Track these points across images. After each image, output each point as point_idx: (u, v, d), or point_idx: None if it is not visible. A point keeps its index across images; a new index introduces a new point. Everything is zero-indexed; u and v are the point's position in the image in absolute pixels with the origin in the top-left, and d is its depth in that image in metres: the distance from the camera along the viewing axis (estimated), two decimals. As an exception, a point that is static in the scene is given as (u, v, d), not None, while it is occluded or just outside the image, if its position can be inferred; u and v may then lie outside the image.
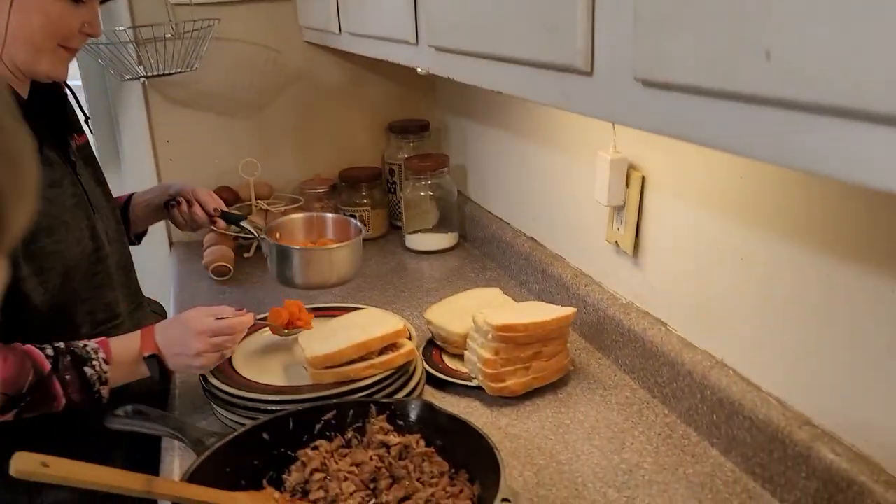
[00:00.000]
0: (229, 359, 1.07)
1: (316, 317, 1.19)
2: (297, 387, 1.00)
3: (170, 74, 1.61)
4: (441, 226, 1.71)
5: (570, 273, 1.29)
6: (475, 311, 1.12)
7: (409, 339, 1.07)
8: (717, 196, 0.93)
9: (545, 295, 1.36)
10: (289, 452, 0.87)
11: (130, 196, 1.31)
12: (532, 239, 1.46)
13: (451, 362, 1.16)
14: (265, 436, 0.86)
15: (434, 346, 1.21)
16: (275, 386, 1.00)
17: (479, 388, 1.08)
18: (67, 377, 0.90)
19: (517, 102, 1.45)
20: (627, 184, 1.09)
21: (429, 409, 0.89)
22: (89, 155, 1.14)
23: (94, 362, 0.93)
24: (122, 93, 1.75)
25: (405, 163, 1.70)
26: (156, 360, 0.96)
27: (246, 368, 1.05)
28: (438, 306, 1.24)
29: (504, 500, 0.70)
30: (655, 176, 1.05)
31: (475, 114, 1.68)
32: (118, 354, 0.95)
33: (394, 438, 0.88)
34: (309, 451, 0.87)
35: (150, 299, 1.33)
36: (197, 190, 1.27)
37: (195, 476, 0.77)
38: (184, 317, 1.00)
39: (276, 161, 1.84)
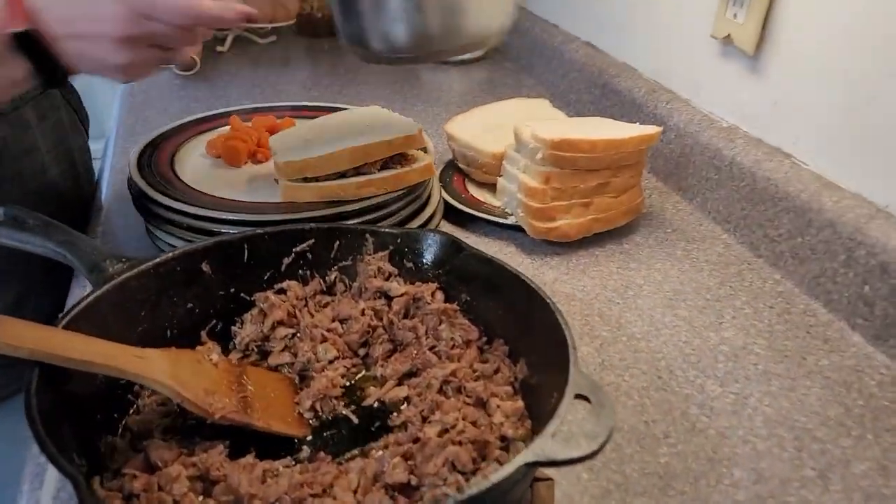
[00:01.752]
0: (171, 164, 0.76)
1: (296, 117, 0.87)
2: (260, 204, 0.69)
3: None
4: (466, 30, 1.34)
5: (644, 87, 0.95)
6: (517, 124, 0.80)
7: (425, 152, 0.75)
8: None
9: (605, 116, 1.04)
10: (242, 295, 0.59)
11: None
12: (589, 44, 1.12)
13: (477, 192, 0.86)
14: (206, 267, 0.57)
15: (456, 169, 0.90)
16: (230, 200, 0.70)
17: (516, 227, 0.79)
18: None
19: None
20: (763, -55, 0.73)
21: (452, 246, 0.59)
22: None
23: None
24: None
25: (427, -62, 1.31)
26: (32, 43, 0.54)
27: (193, 176, 0.74)
28: (464, 118, 0.92)
29: (580, 396, 0.42)
30: (812, -69, 0.69)
31: None
32: None
33: (398, 286, 0.59)
34: (272, 295, 0.59)
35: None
36: None
37: (82, 320, 0.48)
38: None
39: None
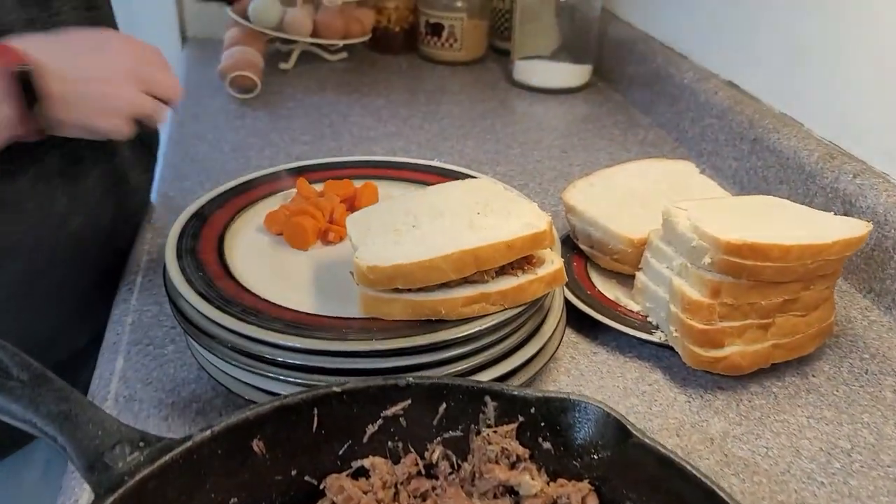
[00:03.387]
0: (220, 246, 0.59)
1: (378, 178, 0.69)
2: (332, 321, 0.51)
3: None
4: (566, 52, 1.15)
5: (818, 150, 0.75)
6: (663, 201, 0.61)
7: (551, 248, 0.56)
8: None
9: (754, 184, 0.83)
10: (306, 478, 0.41)
11: None
12: (732, 84, 0.91)
13: (604, 285, 0.67)
14: (258, 446, 0.39)
15: (573, 249, 0.71)
16: (289, 312, 0.52)
17: (662, 345, 0.59)
18: None
19: None
20: None
21: (615, 429, 0.40)
22: None
23: None
24: None
25: (530, -53, 1.12)
26: (29, 80, 0.53)
27: (246, 266, 0.57)
28: (587, 184, 0.72)
29: None
30: None
31: None
32: None
33: (531, 481, 0.41)
34: (348, 481, 0.41)
35: None
36: None
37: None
38: (95, 35, 0.60)
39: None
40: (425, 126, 1.03)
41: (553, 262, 0.54)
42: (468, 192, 0.58)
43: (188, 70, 1.21)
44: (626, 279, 0.67)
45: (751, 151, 0.83)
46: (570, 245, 0.71)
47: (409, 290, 0.51)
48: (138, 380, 0.56)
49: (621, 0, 1.18)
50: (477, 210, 0.55)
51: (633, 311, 0.63)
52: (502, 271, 0.52)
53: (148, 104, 0.60)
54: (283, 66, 1.20)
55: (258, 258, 0.58)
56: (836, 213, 0.68)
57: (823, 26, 0.75)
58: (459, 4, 1.22)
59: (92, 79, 0.56)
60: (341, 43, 1.21)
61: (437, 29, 1.23)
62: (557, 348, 0.57)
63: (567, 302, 0.63)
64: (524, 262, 0.53)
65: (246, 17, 1.15)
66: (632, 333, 0.60)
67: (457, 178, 0.66)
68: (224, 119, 1.02)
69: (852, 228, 0.57)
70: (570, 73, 1.15)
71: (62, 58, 0.55)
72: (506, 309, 0.52)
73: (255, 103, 1.07)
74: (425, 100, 1.12)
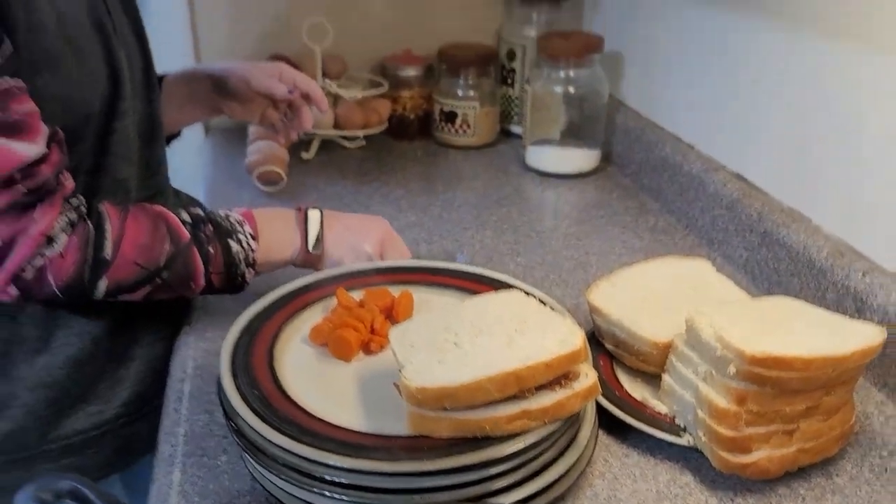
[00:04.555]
0: (270, 358, 0.62)
1: (411, 283, 0.73)
2: (381, 440, 0.54)
3: None
4: (576, 137, 1.20)
5: (827, 247, 0.78)
6: (685, 304, 0.65)
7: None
8: None
9: (766, 275, 0.87)
10: None
11: (160, 79, 0.88)
12: (740, 177, 0.95)
13: (631, 384, 0.70)
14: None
15: (598, 347, 0.74)
16: (340, 430, 0.55)
17: (690, 448, 0.62)
18: (210, 250, 0.70)
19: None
20: None
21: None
22: None
23: (240, 236, 0.73)
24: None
25: (541, 43, 1.18)
26: (320, 218, 0.78)
27: (295, 378, 0.60)
28: (609, 283, 0.76)
29: None
30: None
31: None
32: (265, 228, 0.75)
33: None
34: None
35: (184, 193, 0.95)
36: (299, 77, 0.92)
37: None
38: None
39: (353, 27, 1.32)
40: (444, 215, 1.07)
41: (587, 375, 0.57)
42: (503, 306, 0.62)
43: (214, 161, 1.26)
44: (651, 378, 0.70)
45: (761, 244, 0.87)
46: (594, 342, 0.74)
47: (457, 409, 0.54)
48: (196, 493, 0.58)
49: (627, 88, 1.24)
50: (514, 327, 0.58)
51: (660, 413, 0.66)
52: (541, 386, 0.56)
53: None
54: (304, 155, 1.25)
55: (307, 372, 0.62)
56: (848, 311, 0.72)
57: (827, 122, 0.80)
58: (472, 94, 1.28)
59: (353, 230, 0.79)
60: (361, 134, 1.26)
61: (451, 117, 1.29)
62: (593, 454, 0.60)
63: (597, 402, 0.66)
64: (561, 377, 0.56)
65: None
66: (662, 437, 0.63)
67: (487, 284, 0.71)
68: (252, 212, 1.06)
69: (868, 337, 0.60)
70: (580, 158, 1.20)
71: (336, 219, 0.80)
72: (546, 424, 0.55)
73: (281, 195, 1.12)
74: (442, 187, 1.16)
